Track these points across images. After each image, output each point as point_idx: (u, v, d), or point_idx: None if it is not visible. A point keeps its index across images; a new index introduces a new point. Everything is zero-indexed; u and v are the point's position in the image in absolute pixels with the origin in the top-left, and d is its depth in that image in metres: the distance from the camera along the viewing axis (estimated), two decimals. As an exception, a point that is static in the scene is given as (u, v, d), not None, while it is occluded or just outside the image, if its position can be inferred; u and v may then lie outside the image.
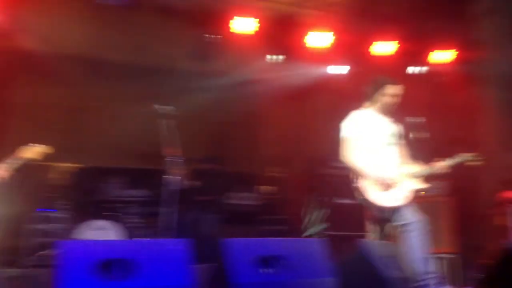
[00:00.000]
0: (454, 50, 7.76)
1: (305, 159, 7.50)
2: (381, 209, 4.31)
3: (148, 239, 4.77)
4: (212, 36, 7.14)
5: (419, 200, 4.49)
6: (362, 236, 4.95)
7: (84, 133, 7.24)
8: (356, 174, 4.40)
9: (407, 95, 4.60)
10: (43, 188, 6.09)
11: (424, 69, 7.93)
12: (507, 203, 6.33)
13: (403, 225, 4.33)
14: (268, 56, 7.66)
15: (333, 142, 8.61)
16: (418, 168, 4.46)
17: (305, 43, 7.43)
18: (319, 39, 7.38)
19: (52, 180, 6.19)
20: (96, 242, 4.13)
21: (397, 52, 7.65)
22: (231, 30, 7.03)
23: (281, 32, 7.40)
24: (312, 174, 6.94)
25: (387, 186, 4.28)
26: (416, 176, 4.44)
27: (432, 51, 7.78)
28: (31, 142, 6.57)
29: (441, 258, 6.00)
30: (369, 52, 7.61)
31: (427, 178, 4.49)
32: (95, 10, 6.96)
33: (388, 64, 7.70)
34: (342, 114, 4.63)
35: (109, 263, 3.31)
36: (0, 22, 6.23)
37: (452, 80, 7.88)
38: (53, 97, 7.31)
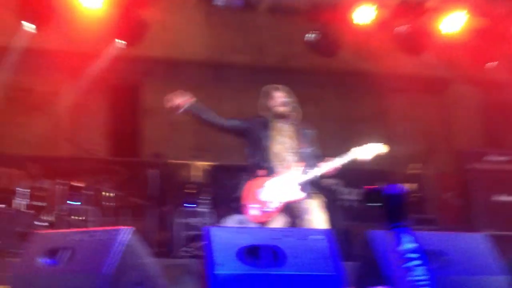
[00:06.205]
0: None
1: (451, 153, 6.86)
2: None
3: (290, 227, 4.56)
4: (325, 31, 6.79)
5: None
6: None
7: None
8: None
9: None
10: (186, 184, 6.37)
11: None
12: None
13: None
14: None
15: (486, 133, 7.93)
16: None
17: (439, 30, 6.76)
18: (451, 24, 6.66)
19: (193, 177, 6.48)
20: (241, 229, 3.99)
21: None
22: (354, 22, 6.58)
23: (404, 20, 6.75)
24: (462, 169, 6.32)
25: None
26: None
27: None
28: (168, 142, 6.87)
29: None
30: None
31: None
32: (212, 14, 7.12)
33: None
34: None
35: (255, 249, 3.15)
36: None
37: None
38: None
